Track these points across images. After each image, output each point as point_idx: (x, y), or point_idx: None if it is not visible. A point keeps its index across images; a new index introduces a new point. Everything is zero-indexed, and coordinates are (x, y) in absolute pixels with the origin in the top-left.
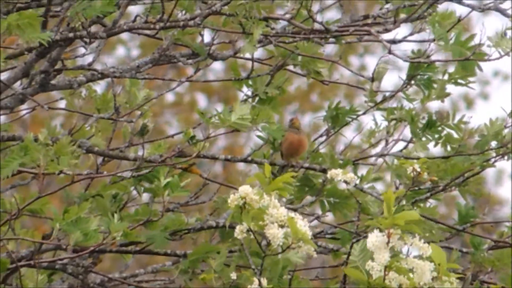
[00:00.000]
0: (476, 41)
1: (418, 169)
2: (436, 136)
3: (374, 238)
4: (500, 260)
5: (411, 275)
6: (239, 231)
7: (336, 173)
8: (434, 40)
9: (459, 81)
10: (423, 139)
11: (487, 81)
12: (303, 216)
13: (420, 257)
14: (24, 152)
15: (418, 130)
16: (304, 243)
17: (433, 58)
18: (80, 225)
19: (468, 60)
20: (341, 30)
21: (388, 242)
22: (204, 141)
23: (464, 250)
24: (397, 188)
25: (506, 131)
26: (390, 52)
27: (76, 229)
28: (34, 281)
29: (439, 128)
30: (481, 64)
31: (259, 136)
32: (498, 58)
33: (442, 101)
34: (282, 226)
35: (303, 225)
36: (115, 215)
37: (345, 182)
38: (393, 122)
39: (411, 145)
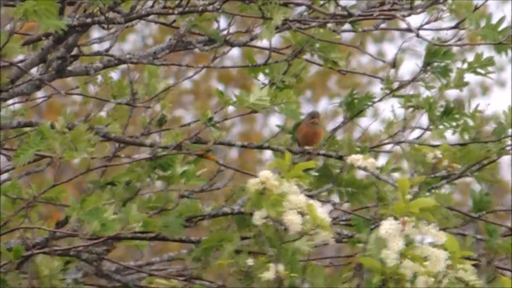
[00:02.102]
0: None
1: (440, 156)
2: (454, 124)
3: (388, 226)
4: None
5: (425, 263)
6: (258, 217)
7: (356, 159)
8: (457, 25)
9: (478, 70)
10: (440, 127)
11: (503, 67)
12: (320, 203)
13: (433, 244)
14: (40, 138)
15: (435, 117)
16: (322, 229)
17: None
18: (97, 215)
19: (501, 44)
20: (365, 14)
21: (402, 230)
22: (221, 128)
23: (479, 237)
24: (412, 175)
25: None
26: (418, 35)
27: (94, 219)
28: (49, 268)
29: (457, 116)
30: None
31: (277, 125)
32: None
33: (461, 90)
34: (301, 213)
35: (322, 212)
36: (133, 205)
37: (365, 168)
38: (410, 109)
39: (427, 133)
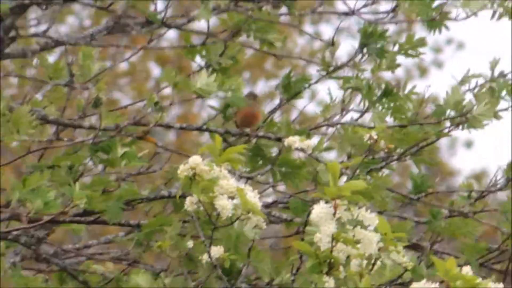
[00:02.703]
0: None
1: (375, 137)
2: (392, 105)
3: (320, 210)
4: (459, 229)
5: (358, 246)
6: (189, 203)
7: (293, 140)
8: (394, 8)
9: (410, 52)
10: (379, 109)
11: (440, 48)
12: (256, 186)
13: (365, 228)
14: None
15: (374, 100)
16: (253, 214)
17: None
18: (40, 194)
19: (434, 21)
20: None
21: (334, 213)
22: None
23: (418, 219)
24: (349, 157)
25: (466, 100)
26: (354, 13)
27: (36, 198)
28: None
29: (395, 97)
30: None
31: (211, 106)
32: (465, 19)
33: (393, 72)
34: (232, 198)
35: (253, 197)
36: (76, 184)
37: (302, 149)
38: (349, 91)
39: (365, 115)
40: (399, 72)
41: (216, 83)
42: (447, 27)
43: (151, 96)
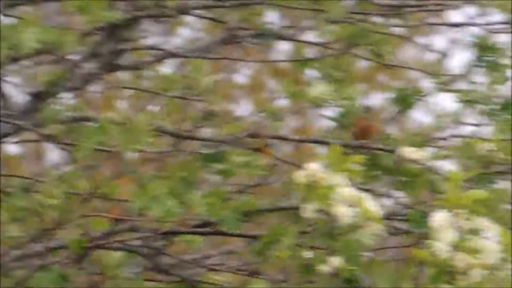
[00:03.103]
0: None
1: (494, 148)
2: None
3: (440, 218)
4: None
5: (478, 255)
6: (308, 210)
7: (408, 151)
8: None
9: None
10: (499, 122)
11: None
12: (376, 197)
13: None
14: (100, 132)
15: (493, 113)
16: (373, 222)
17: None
18: (160, 202)
19: None
20: (419, 5)
21: (454, 222)
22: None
23: None
24: (466, 170)
25: None
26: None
27: (157, 206)
28: (109, 263)
29: None
30: None
31: (328, 117)
32: None
33: (503, 85)
34: (351, 206)
35: (373, 205)
36: (198, 192)
37: (417, 160)
38: (466, 104)
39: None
40: None
41: (332, 91)
42: None
43: (270, 108)
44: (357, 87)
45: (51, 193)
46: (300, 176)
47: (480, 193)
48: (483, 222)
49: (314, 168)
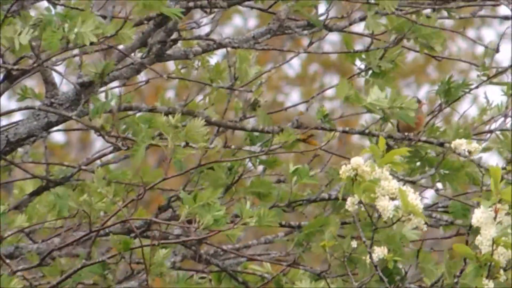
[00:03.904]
0: None
1: None
2: None
3: (480, 214)
4: None
5: None
6: (350, 203)
7: (459, 143)
8: None
9: None
10: None
11: None
12: (416, 189)
13: None
14: (149, 125)
15: None
16: (414, 216)
17: None
18: (210, 210)
19: None
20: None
21: (495, 217)
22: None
23: None
24: (509, 163)
25: None
26: None
27: (207, 213)
28: (157, 254)
29: None
30: None
31: (365, 106)
32: None
33: None
34: (393, 199)
35: (414, 198)
36: (248, 202)
37: (469, 152)
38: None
39: None
40: None
41: (387, 99)
42: None
43: (322, 109)
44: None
45: (99, 193)
46: (344, 169)
47: None
48: None
49: (358, 162)
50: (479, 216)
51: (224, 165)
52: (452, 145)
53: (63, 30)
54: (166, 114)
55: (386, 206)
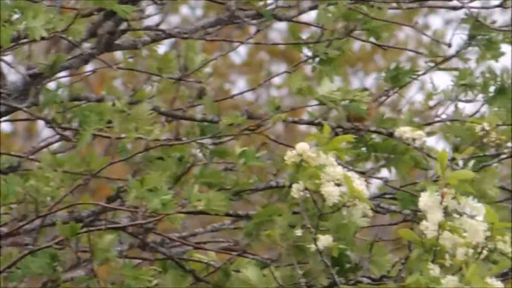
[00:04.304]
0: None
1: (487, 128)
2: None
3: (427, 198)
4: None
5: (464, 234)
6: (296, 190)
7: (404, 131)
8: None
9: None
10: (495, 107)
11: None
12: (364, 176)
13: (472, 217)
14: (99, 119)
15: (490, 96)
16: (360, 201)
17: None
18: (157, 194)
19: None
20: None
21: (441, 202)
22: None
23: None
24: (455, 151)
25: None
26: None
27: (154, 197)
28: (102, 240)
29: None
30: None
31: (317, 99)
32: None
33: (497, 61)
34: (338, 185)
35: (360, 184)
36: (195, 185)
37: (414, 140)
38: (462, 87)
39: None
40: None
41: (339, 92)
42: None
43: (274, 101)
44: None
45: (46, 178)
46: (290, 155)
47: (467, 172)
48: (469, 202)
49: (303, 148)
50: (425, 200)
51: (174, 155)
52: (396, 133)
53: (12, 23)
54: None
55: (331, 192)
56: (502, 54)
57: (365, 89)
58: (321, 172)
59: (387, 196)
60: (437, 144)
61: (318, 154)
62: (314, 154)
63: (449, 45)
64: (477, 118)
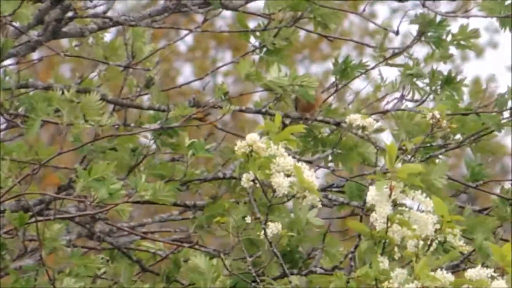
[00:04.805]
0: None
1: (438, 116)
2: (455, 94)
3: (374, 192)
4: None
5: (414, 227)
6: (246, 180)
7: (354, 118)
8: None
9: (462, 43)
10: (441, 97)
11: (496, 29)
12: (314, 168)
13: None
14: (47, 105)
15: (436, 87)
16: (309, 192)
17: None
18: (104, 183)
19: (507, 18)
20: None
21: (390, 195)
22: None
23: (470, 207)
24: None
25: None
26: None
27: (101, 187)
28: (50, 230)
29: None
30: None
31: (265, 85)
32: None
33: (445, 63)
34: (288, 176)
35: (310, 175)
36: (143, 175)
37: (363, 127)
38: (409, 78)
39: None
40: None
41: (286, 78)
42: None
43: (222, 86)
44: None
45: None
46: (240, 145)
47: (415, 166)
48: (417, 195)
49: (253, 138)
50: (373, 194)
51: (127, 146)
52: (347, 120)
53: None
54: (62, 91)
55: (281, 183)
56: (451, 56)
57: (314, 76)
58: (271, 163)
59: (335, 188)
60: (386, 137)
61: (268, 145)
62: (264, 145)
63: (397, 33)
64: (421, 111)
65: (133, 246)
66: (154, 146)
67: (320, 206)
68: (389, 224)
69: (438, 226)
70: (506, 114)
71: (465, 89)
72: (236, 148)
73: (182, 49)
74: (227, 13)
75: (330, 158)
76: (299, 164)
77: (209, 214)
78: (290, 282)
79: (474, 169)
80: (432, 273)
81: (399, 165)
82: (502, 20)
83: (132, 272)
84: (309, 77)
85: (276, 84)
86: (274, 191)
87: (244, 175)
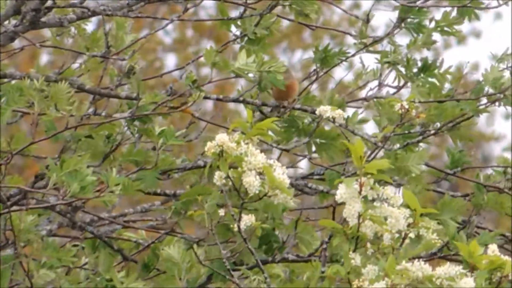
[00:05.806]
0: None
1: (406, 106)
2: (430, 80)
3: (344, 189)
4: (501, 204)
5: (387, 221)
6: (218, 178)
7: (324, 110)
8: None
9: (445, 29)
10: (418, 84)
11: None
12: (292, 158)
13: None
14: (19, 95)
15: (412, 74)
16: (280, 191)
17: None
18: (77, 177)
19: (465, 7)
20: None
21: (360, 191)
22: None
23: (452, 193)
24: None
25: (505, 77)
26: None
27: (73, 181)
28: (24, 222)
29: (434, 73)
30: None
31: (233, 71)
32: (497, 7)
33: (428, 49)
34: (260, 173)
35: (281, 173)
36: (114, 169)
37: (333, 119)
38: (386, 65)
39: (403, 90)
40: (438, 40)
41: (255, 64)
42: (477, 16)
43: (190, 74)
44: (276, 44)
45: None
46: (210, 145)
47: (383, 162)
48: (386, 191)
49: (223, 139)
50: (342, 192)
51: (102, 133)
52: (317, 112)
53: None
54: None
55: (252, 182)
56: (434, 42)
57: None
58: (242, 162)
59: (315, 176)
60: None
61: (239, 144)
62: (234, 144)
63: (367, 21)
64: (400, 99)
65: (115, 236)
66: (128, 133)
67: (292, 204)
68: (361, 220)
69: (411, 220)
70: (484, 100)
71: (448, 77)
72: (206, 148)
73: (168, 41)
74: (208, 2)
75: (314, 148)
76: (271, 161)
77: (184, 200)
78: (264, 273)
79: (455, 156)
80: (403, 267)
81: (381, 153)
82: (460, 10)
83: (112, 261)
84: (277, 62)
85: (243, 71)
86: (246, 190)
87: (217, 173)
